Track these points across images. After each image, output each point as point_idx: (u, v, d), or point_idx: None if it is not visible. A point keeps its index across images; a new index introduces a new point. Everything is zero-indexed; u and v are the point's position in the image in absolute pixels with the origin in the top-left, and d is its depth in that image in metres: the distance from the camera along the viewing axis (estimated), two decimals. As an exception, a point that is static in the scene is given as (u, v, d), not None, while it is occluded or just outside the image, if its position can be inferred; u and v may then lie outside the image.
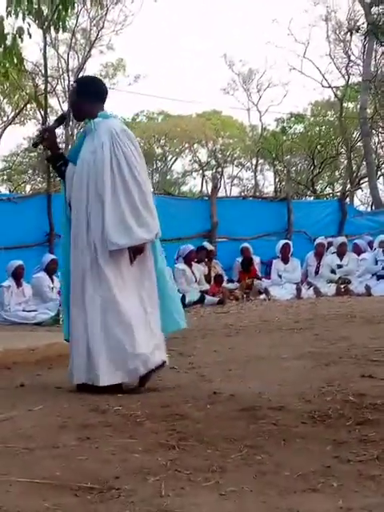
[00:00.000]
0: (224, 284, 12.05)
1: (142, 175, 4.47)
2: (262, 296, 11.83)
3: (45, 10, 10.74)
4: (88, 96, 4.64)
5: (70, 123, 23.05)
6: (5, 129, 28.54)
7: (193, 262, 11.80)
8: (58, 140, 4.78)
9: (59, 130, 22.64)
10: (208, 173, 38.25)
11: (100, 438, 3.22)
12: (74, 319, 4.45)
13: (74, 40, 30.03)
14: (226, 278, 12.47)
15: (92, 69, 45.47)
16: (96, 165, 4.42)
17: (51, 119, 16.05)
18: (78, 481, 2.60)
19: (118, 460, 2.87)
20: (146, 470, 2.73)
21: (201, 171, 39.77)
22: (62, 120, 5.04)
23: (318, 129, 31.46)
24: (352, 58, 27.38)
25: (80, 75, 30.58)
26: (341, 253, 12.97)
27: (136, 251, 4.40)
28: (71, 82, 5.49)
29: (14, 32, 8.77)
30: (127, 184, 4.38)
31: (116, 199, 4.37)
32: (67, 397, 4.14)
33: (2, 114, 29.92)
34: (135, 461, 2.87)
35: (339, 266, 12.77)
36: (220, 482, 2.59)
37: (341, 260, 12.90)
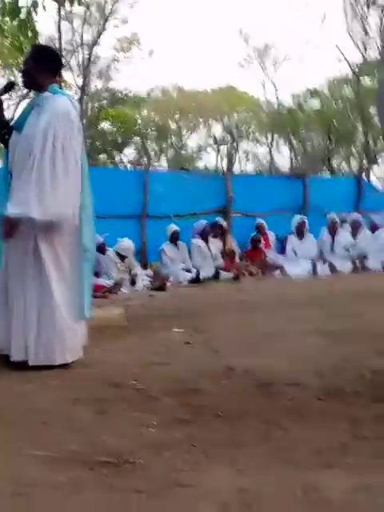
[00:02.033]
0: (237, 260, 12.01)
1: (70, 166, 4.28)
2: (277, 272, 11.77)
3: (59, -18, 10.65)
4: (44, 64, 4.48)
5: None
6: (19, 103, 28.49)
7: (209, 237, 11.75)
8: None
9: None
10: (223, 148, 38.09)
11: (115, 412, 3.22)
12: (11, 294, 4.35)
13: (88, 13, 29.89)
14: (238, 252, 12.41)
15: (107, 42, 45.34)
16: (31, 144, 4.28)
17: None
18: (94, 455, 2.60)
19: (133, 434, 2.88)
20: (161, 444, 2.73)
21: (216, 146, 39.60)
22: (9, 87, 4.77)
23: (334, 104, 31.14)
24: (370, 33, 27.02)
25: (93, 49, 30.54)
26: (354, 229, 12.85)
27: (8, 226, 4.18)
28: (27, 47, 5.41)
29: (29, 5, 8.71)
30: (54, 170, 4.21)
31: (33, 175, 4.20)
32: (82, 371, 4.14)
33: (17, 88, 29.84)
34: (150, 435, 2.87)
35: (353, 245, 12.67)
36: (236, 457, 2.58)
37: (355, 238, 12.79)
